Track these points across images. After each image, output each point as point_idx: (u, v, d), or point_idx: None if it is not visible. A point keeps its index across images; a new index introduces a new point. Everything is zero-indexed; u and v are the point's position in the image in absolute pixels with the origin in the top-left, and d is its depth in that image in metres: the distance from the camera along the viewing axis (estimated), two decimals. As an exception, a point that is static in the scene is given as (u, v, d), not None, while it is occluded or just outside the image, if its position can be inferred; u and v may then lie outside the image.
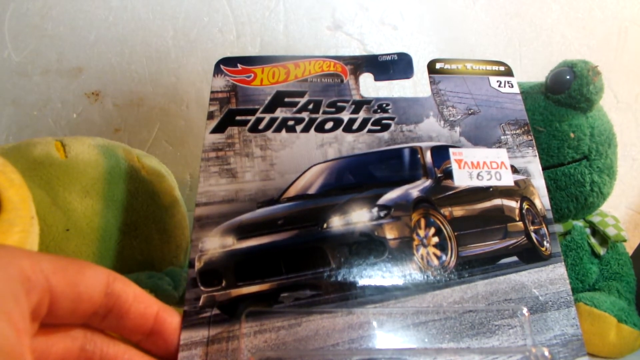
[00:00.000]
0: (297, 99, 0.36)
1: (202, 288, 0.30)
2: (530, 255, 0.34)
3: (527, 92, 0.49)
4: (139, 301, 0.26)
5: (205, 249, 0.31)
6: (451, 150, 0.35)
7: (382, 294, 0.29)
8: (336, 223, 0.32)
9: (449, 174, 0.34)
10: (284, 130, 0.35)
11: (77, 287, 0.23)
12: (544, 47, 0.73)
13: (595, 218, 0.49)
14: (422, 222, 0.33)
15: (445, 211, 0.33)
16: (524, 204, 0.35)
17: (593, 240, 0.49)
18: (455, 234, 0.33)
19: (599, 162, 0.48)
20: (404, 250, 0.31)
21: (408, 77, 0.38)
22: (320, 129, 0.35)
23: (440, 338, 0.28)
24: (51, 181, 0.41)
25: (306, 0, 0.69)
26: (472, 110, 0.37)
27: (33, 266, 0.21)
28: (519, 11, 0.73)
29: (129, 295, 0.25)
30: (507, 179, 0.34)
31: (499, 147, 0.35)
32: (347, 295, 0.29)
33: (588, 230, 0.49)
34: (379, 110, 0.36)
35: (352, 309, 0.29)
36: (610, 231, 0.48)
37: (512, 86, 0.38)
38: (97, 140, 0.46)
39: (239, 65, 0.38)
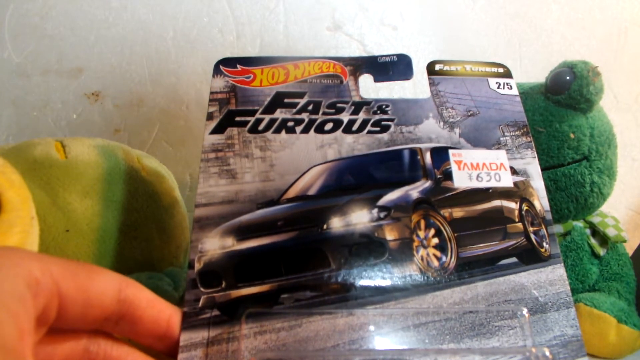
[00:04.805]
0: (296, 100, 0.36)
1: (201, 289, 0.30)
2: (530, 256, 0.34)
3: (527, 93, 0.49)
4: (152, 306, 0.25)
5: (205, 250, 0.31)
6: (451, 151, 0.35)
7: (382, 295, 0.29)
8: (336, 224, 0.32)
9: (448, 175, 0.34)
10: (283, 131, 0.35)
11: (87, 292, 0.23)
12: (544, 47, 0.73)
13: (595, 219, 0.49)
14: (422, 223, 0.33)
15: (445, 212, 0.33)
16: (524, 205, 0.35)
17: (593, 241, 0.49)
18: (455, 235, 0.33)
19: (599, 163, 0.48)
20: (404, 251, 0.31)
21: (408, 79, 0.38)
22: (320, 130, 0.35)
23: (441, 339, 0.28)
24: (51, 182, 0.41)
25: (306, 0, 0.69)
26: (471, 112, 0.37)
27: (42, 269, 0.21)
28: (519, 11, 0.73)
29: (141, 301, 0.25)
30: (507, 181, 0.34)
31: (498, 148, 0.35)
32: (348, 296, 0.29)
33: (588, 231, 0.49)
34: (378, 112, 0.36)
35: (352, 310, 0.29)
36: (610, 232, 0.48)
37: (511, 88, 0.38)
38: (97, 141, 0.46)
39: (238, 65, 0.38)
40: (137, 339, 0.26)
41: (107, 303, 0.24)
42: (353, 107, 0.36)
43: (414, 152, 0.36)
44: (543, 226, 0.34)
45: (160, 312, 0.26)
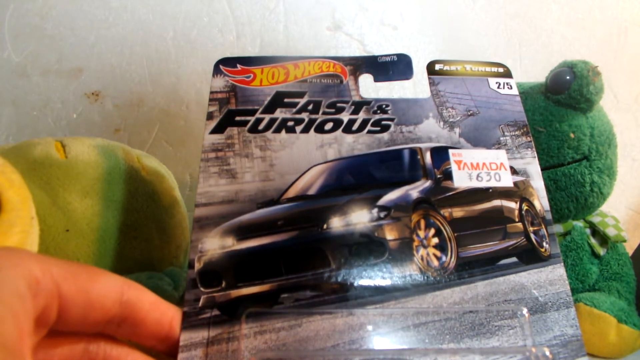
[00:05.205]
0: (296, 100, 0.36)
1: (201, 289, 0.30)
2: (530, 256, 0.34)
3: (527, 93, 0.49)
4: (154, 308, 0.25)
5: (205, 249, 0.31)
6: (451, 151, 0.35)
7: (382, 295, 0.29)
8: (336, 224, 0.32)
9: (448, 175, 0.34)
10: (283, 131, 0.35)
11: (89, 294, 0.23)
12: (544, 47, 0.73)
13: (595, 218, 0.49)
14: (422, 223, 0.33)
15: (445, 212, 0.33)
16: (523, 205, 0.35)
17: (593, 241, 0.49)
18: (455, 234, 0.33)
19: (599, 163, 0.48)
20: (404, 251, 0.31)
21: (407, 78, 0.38)
22: (320, 129, 0.35)
23: (441, 339, 0.28)
24: (51, 181, 0.41)
25: (306, 0, 0.69)
26: (471, 112, 0.37)
27: (43, 270, 0.21)
28: (519, 11, 0.73)
29: (144, 303, 0.25)
30: (507, 180, 0.34)
31: (498, 148, 0.35)
32: (348, 296, 0.29)
33: (588, 231, 0.49)
34: (378, 111, 0.36)
35: (352, 310, 0.29)
36: (610, 231, 0.48)
37: (511, 87, 0.38)
38: (97, 141, 0.46)
39: (238, 65, 0.38)
40: (140, 341, 0.26)
41: (108, 306, 0.24)
42: (353, 107, 0.36)
43: (414, 152, 0.36)
44: (543, 226, 0.34)
45: (162, 314, 0.26)
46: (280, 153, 0.34)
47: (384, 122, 0.36)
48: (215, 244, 0.31)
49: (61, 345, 0.24)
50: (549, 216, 0.34)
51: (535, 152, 0.36)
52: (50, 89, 0.65)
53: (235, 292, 0.31)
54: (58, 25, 0.65)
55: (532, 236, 0.35)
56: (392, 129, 0.36)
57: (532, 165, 0.35)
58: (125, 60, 0.66)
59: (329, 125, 0.36)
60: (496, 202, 0.34)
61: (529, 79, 0.52)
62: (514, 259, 0.34)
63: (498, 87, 0.38)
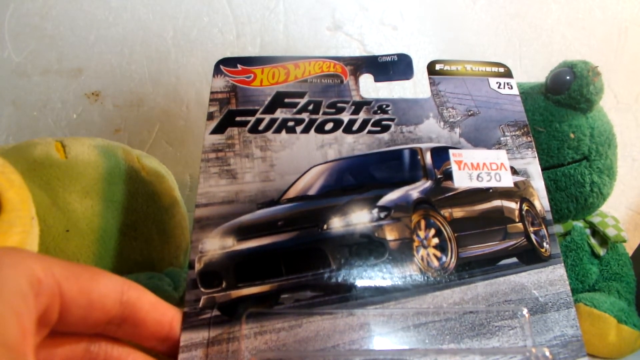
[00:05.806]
0: (297, 100, 0.36)
1: (202, 289, 0.30)
2: (530, 257, 0.34)
3: (527, 93, 0.49)
4: (154, 309, 0.25)
5: (205, 250, 0.31)
6: (451, 151, 0.35)
7: (382, 295, 0.29)
8: (336, 224, 0.32)
9: (449, 175, 0.34)
10: (284, 131, 0.35)
11: (90, 294, 0.23)
12: (544, 47, 0.73)
13: (595, 218, 0.49)
14: (422, 223, 0.33)
15: (445, 212, 0.33)
16: (524, 205, 0.35)
17: (593, 241, 0.49)
18: (455, 235, 0.33)
19: (599, 163, 0.48)
20: (404, 251, 0.31)
21: (408, 78, 0.38)
22: (320, 129, 0.35)
23: (441, 339, 0.28)
24: (51, 182, 0.41)
25: (306, 0, 0.69)
26: (471, 112, 0.37)
27: (45, 269, 0.21)
28: (519, 11, 0.73)
29: (144, 303, 0.25)
30: (507, 181, 0.34)
31: (499, 148, 0.35)
32: (348, 296, 0.29)
33: (588, 231, 0.49)
34: (379, 111, 0.36)
35: (352, 310, 0.29)
36: (610, 232, 0.48)
37: (512, 87, 0.38)
38: (97, 141, 0.46)
39: (238, 65, 0.38)
40: (140, 342, 0.26)
41: (109, 306, 0.24)
42: (353, 107, 0.36)
43: (414, 152, 0.36)
44: (543, 226, 0.34)
45: (162, 314, 0.26)
46: (281, 153, 0.34)
47: (384, 122, 0.36)
48: (215, 245, 0.31)
49: (62, 346, 0.24)
50: (549, 216, 0.34)
51: (535, 152, 0.36)
52: (50, 89, 0.65)
53: (236, 293, 0.31)
54: (58, 25, 0.65)
55: (533, 236, 0.35)
56: (392, 129, 0.36)
57: (532, 166, 0.35)
58: (125, 60, 0.66)
59: (329, 126, 0.36)
60: (496, 203, 0.34)
61: (529, 79, 0.52)
62: (514, 259, 0.34)
63: (498, 87, 0.38)
